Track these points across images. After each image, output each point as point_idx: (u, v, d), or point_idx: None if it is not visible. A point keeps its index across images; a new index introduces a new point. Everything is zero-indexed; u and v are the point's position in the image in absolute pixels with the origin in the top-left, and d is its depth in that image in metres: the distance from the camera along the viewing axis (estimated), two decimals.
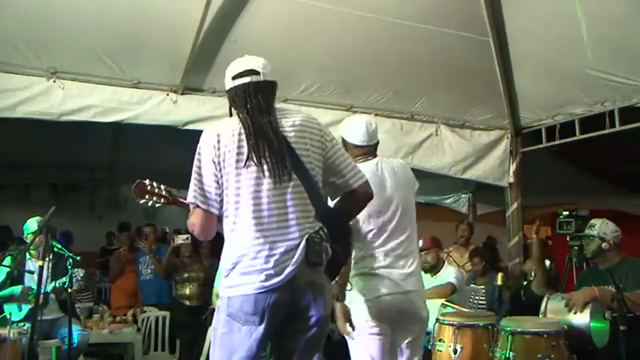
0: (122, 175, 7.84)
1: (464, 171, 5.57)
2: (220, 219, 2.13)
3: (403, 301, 2.66)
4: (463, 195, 7.16)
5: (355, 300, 2.64)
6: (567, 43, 4.43)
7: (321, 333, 2.15)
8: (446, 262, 4.86)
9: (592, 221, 3.70)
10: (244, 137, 2.09)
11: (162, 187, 2.37)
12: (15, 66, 4.07)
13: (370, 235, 2.67)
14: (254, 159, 2.06)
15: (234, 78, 2.19)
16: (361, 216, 2.51)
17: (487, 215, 7.22)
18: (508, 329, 3.14)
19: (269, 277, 2.00)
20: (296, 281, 2.03)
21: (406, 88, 5.09)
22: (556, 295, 3.54)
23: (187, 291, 5.81)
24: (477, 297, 4.85)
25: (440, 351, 3.34)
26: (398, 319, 2.66)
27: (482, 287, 4.91)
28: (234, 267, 2.06)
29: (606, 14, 4.06)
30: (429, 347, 3.47)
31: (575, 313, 3.28)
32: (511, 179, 5.72)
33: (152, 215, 8.05)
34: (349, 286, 2.65)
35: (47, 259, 3.84)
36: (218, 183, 2.09)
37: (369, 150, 2.83)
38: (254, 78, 2.17)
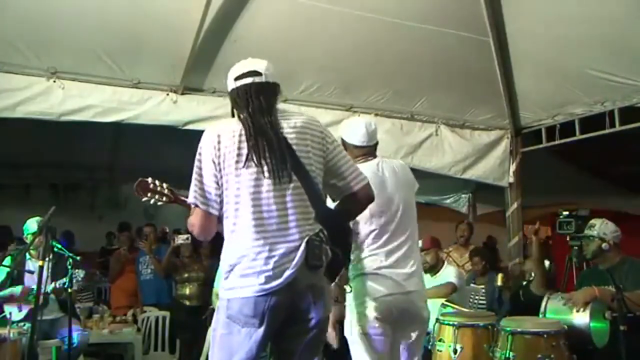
0: (122, 175, 7.85)
1: (464, 171, 5.57)
2: (220, 219, 2.13)
3: (404, 301, 2.66)
4: (463, 195, 7.16)
5: (356, 301, 2.64)
6: (567, 43, 4.43)
7: (321, 335, 2.15)
8: (446, 262, 4.87)
9: (592, 221, 3.70)
10: (244, 137, 2.08)
11: (165, 185, 2.38)
12: (15, 66, 4.07)
13: (372, 236, 2.67)
14: (254, 159, 2.06)
15: (236, 79, 2.20)
16: (363, 216, 2.51)
17: (487, 215, 7.21)
18: (508, 329, 3.14)
19: (268, 280, 2.00)
20: (296, 284, 2.03)
21: (406, 88, 5.08)
22: (556, 295, 3.54)
23: (187, 291, 5.81)
24: (477, 297, 4.85)
25: (440, 351, 3.34)
26: (399, 319, 2.66)
27: (482, 287, 4.91)
28: (233, 269, 2.05)
29: (606, 14, 4.06)
30: (429, 347, 3.47)
31: (576, 312, 3.28)
32: (511, 179, 5.72)
33: (152, 216, 8.06)
34: (347, 288, 2.66)
35: (47, 259, 3.84)
36: (218, 184, 2.09)
37: (369, 151, 2.83)
38: (256, 79, 2.17)
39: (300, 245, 2.04)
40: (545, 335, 3.06)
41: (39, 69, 4.12)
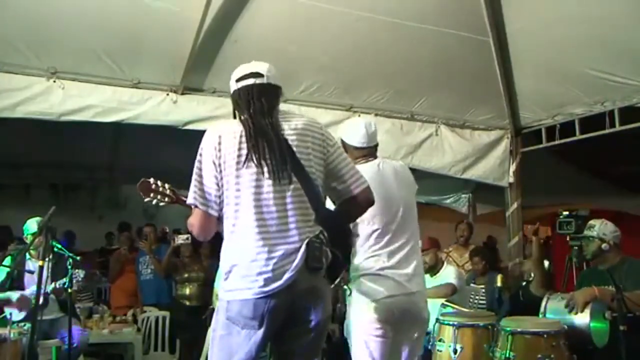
0: (122, 175, 7.86)
1: (464, 171, 5.57)
2: (220, 219, 2.13)
3: (407, 302, 2.65)
4: (463, 195, 7.16)
5: (358, 302, 2.64)
6: (567, 43, 4.43)
7: (321, 337, 2.15)
8: (445, 262, 4.87)
9: (591, 222, 3.70)
10: (244, 139, 2.09)
11: (166, 186, 2.39)
12: (15, 66, 4.06)
13: (374, 236, 2.66)
14: (254, 159, 2.06)
15: (238, 80, 2.21)
16: (365, 217, 2.50)
17: (487, 215, 7.21)
18: (508, 329, 3.15)
19: (268, 282, 2.00)
20: (296, 286, 2.03)
21: (406, 88, 5.08)
22: (556, 295, 3.54)
23: (187, 291, 5.81)
24: (477, 297, 4.85)
25: (440, 351, 3.35)
26: (400, 320, 2.65)
27: (482, 287, 4.90)
28: (232, 270, 2.06)
29: (606, 14, 4.06)
30: (429, 347, 3.47)
31: (575, 313, 3.28)
32: (511, 179, 5.72)
33: (152, 216, 8.06)
34: (348, 289, 2.65)
35: (47, 259, 3.84)
36: (218, 185, 2.09)
37: (369, 152, 2.83)
38: (258, 80, 2.18)
39: (300, 247, 2.04)
40: (545, 335, 3.06)
41: (39, 69, 4.12)
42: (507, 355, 3.08)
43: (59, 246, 4.38)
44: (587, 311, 3.25)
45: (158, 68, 4.38)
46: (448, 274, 4.54)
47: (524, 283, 4.80)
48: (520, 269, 5.40)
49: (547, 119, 5.40)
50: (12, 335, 3.56)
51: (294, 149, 2.12)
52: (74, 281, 4.14)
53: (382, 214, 2.66)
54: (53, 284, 4.27)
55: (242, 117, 2.16)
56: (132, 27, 4.01)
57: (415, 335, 2.75)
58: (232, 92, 2.24)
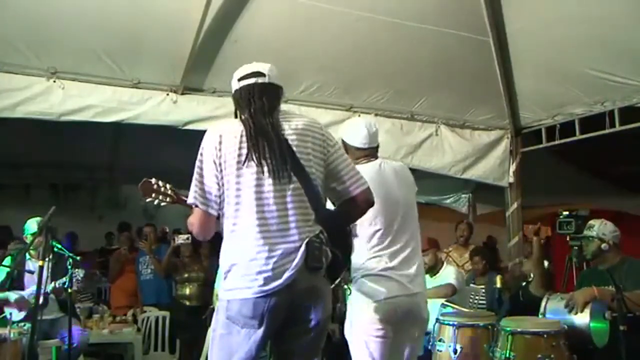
0: (122, 175, 7.86)
1: (464, 171, 5.57)
2: (220, 219, 2.14)
3: (409, 303, 2.65)
4: (463, 195, 7.16)
5: (360, 302, 2.63)
6: (567, 43, 4.43)
7: (320, 337, 2.15)
8: (445, 262, 4.87)
9: (591, 222, 3.69)
10: (245, 138, 2.09)
11: (168, 186, 2.40)
12: (15, 66, 4.06)
13: (377, 236, 2.65)
14: (254, 159, 2.06)
15: (240, 79, 2.22)
16: (367, 217, 2.49)
17: (487, 215, 7.21)
18: (508, 329, 3.14)
19: (267, 281, 2.00)
20: (295, 285, 2.03)
21: (406, 88, 5.08)
22: (556, 295, 3.53)
23: (187, 291, 5.81)
24: (477, 297, 4.85)
25: (440, 351, 3.34)
26: (402, 320, 2.65)
27: (482, 287, 4.90)
28: (231, 269, 2.06)
29: (606, 14, 4.06)
30: (429, 347, 3.47)
31: (575, 313, 3.28)
32: (511, 179, 5.72)
33: (152, 216, 8.06)
34: (348, 289, 2.65)
35: (47, 259, 3.84)
36: (218, 184, 2.10)
37: (371, 153, 2.82)
38: (260, 80, 2.19)
39: (300, 247, 2.04)
40: (545, 335, 3.06)
41: (39, 69, 4.12)
42: (507, 355, 3.08)
43: (59, 246, 4.38)
44: (587, 311, 3.25)
45: (158, 68, 4.38)
46: (448, 275, 4.54)
47: (524, 283, 4.79)
48: (520, 269, 5.39)
49: (547, 119, 5.41)
50: (12, 335, 3.56)
51: (294, 149, 2.12)
52: (74, 281, 4.14)
53: (384, 215, 2.66)
54: (53, 283, 4.27)
55: (243, 117, 2.17)
56: (132, 27, 4.01)
57: (416, 334, 2.75)
58: (233, 91, 2.25)
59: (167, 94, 4.50)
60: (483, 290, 4.87)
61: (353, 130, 2.86)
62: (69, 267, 4.12)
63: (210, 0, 3.83)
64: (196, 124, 4.55)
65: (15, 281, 4.41)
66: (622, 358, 3.01)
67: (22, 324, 4.10)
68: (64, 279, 4.21)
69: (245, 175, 2.06)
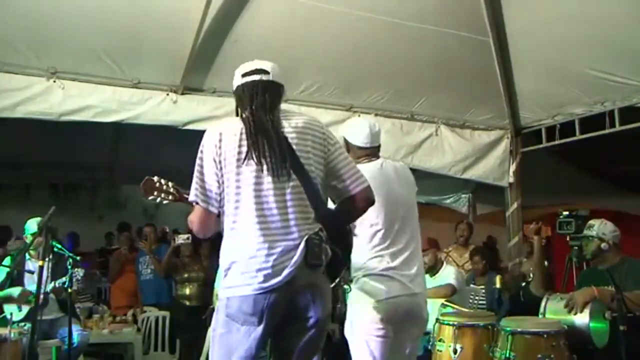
0: (122, 175, 7.87)
1: (464, 171, 5.57)
2: (220, 217, 2.14)
3: (410, 303, 2.64)
4: (463, 195, 7.17)
5: (361, 301, 2.63)
6: (567, 43, 4.43)
7: (320, 335, 2.15)
8: (445, 262, 4.87)
9: (591, 222, 3.69)
10: (245, 136, 2.10)
11: (170, 183, 2.40)
12: (15, 66, 4.06)
13: (378, 236, 2.65)
14: (254, 157, 2.07)
15: (243, 75, 2.22)
16: (368, 216, 2.49)
17: (487, 215, 7.22)
18: (508, 329, 3.14)
19: (267, 278, 2.00)
20: (295, 282, 2.03)
21: (406, 88, 5.08)
22: (556, 295, 3.53)
23: (187, 291, 5.81)
24: (477, 297, 4.85)
25: (440, 351, 3.34)
26: (402, 320, 2.65)
27: (482, 287, 4.91)
28: (231, 266, 2.06)
29: (606, 14, 4.06)
30: (429, 347, 3.47)
31: (575, 313, 3.28)
32: (511, 179, 5.72)
33: (152, 216, 8.08)
34: (348, 288, 2.65)
35: (47, 259, 3.84)
36: (219, 182, 2.11)
37: (372, 152, 2.82)
38: (264, 77, 2.20)
39: (299, 244, 2.04)
40: (545, 335, 3.05)
41: (39, 69, 4.12)
42: (507, 355, 3.07)
43: (59, 246, 4.38)
44: (587, 311, 3.25)
45: (158, 68, 4.38)
46: (448, 275, 4.55)
47: (524, 283, 4.79)
48: (520, 269, 5.39)
49: (547, 119, 5.41)
50: (12, 335, 3.56)
51: (294, 147, 2.13)
52: (74, 280, 4.15)
53: (385, 214, 2.65)
54: (53, 283, 4.28)
55: (244, 115, 2.17)
56: (132, 27, 4.01)
57: (416, 334, 2.76)
58: (235, 87, 2.25)
59: (167, 94, 4.50)
60: (483, 291, 4.87)
61: (355, 129, 2.86)
62: (69, 267, 4.12)
63: (210, 0, 3.83)
64: (196, 124, 4.55)
65: (15, 281, 4.42)
66: (622, 358, 3.01)
67: (22, 324, 4.10)
68: (63, 278, 4.21)
69: (245, 173, 2.07)
